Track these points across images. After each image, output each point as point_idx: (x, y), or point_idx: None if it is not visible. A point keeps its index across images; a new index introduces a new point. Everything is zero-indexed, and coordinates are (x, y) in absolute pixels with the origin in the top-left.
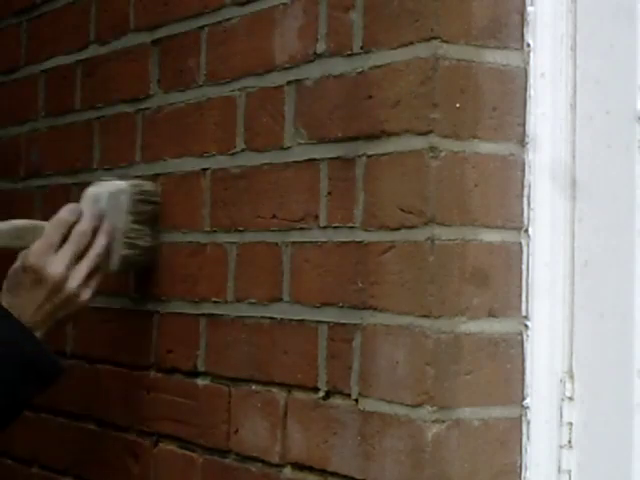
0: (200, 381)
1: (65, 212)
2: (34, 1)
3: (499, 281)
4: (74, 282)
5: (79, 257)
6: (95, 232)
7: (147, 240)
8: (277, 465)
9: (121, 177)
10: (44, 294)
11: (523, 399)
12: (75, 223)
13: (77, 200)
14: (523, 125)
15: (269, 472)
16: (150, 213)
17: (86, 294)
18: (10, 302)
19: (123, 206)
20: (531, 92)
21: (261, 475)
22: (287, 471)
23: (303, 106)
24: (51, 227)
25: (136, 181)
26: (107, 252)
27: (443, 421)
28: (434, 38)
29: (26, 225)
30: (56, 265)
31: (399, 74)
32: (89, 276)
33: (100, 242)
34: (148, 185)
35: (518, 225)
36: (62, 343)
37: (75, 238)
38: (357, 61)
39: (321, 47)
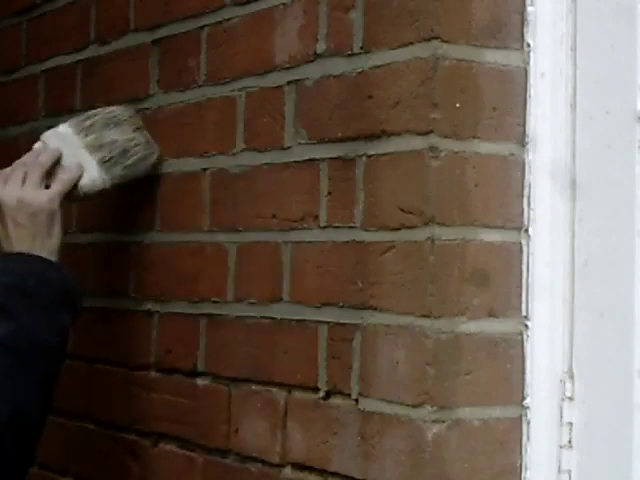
0: (200, 381)
1: None
2: (34, 1)
3: (499, 281)
4: (18, 192)
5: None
6: None
7: (109, 137)
8: (277, 465)
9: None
10: (7, 219)
11: (523, 399)
12: None
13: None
14: (523, 125)
15: (269, 472)
16: (101, 122)
17: (38, 195)
18: (7, 246)
19: (66, 132)
20: (531, 92)
21: (261, 475)
22: (287, 471)
23: (303, 106)
24: None
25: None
26: (79, 165)
27: (443, 421)
28: (434, 38)
29: None
30: None
31: (399, 74)
32: (42, 184)
33: (41, 157)
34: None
35: (518, 225)
36: None
37: (12, 171)
38: (357, 61)
39: (321, 47)
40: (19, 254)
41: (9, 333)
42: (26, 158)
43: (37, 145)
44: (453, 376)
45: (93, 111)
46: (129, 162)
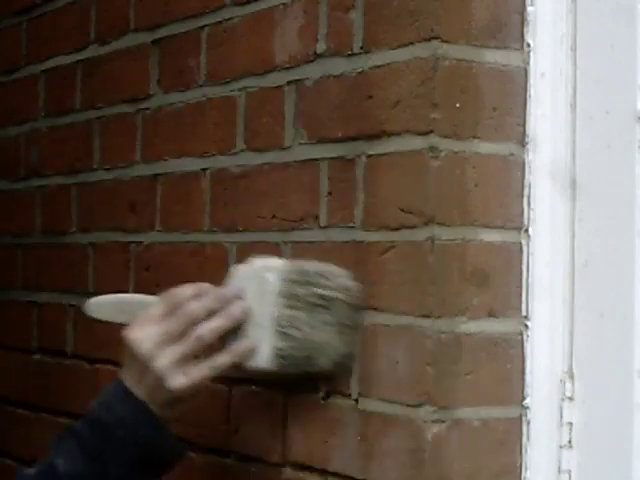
0: None
1: (181, 287)
2: (34, 1)
3: (499, 281)
4: (159, 362)
5: (179, 338)
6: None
7: (307, 331)
8: (277, 465)
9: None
10: (137, 371)
11: (523, 399)
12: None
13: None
14: (523, 125)
15: (269, 472)
16: (314, 299)
17: (177, 380)
18: (127, 378)
19: (270, 286)
20: (531, 92)
21: (261, 475)
22: (287, 471)
23: (303, 106)
24: (158, 300)
25: (299, 261)
26: (250, 348)
27: (443, 421)
28: (434, 38)
29: (134, 298)
30: (145, 340)
31: (399, 74)
32: (189, 361)
33: (211, 324)
34: (315, 266)
35: (518, 225)
36: (62, 343)
37: (177, 315)
38: (357, 61)
39: (321, 47)
40: (130, 393)
41: (70, 474)
42: (203, 304)
43: (233, 284)
44: (453, 376)
45: (318, 270)
46: (303, 369)
